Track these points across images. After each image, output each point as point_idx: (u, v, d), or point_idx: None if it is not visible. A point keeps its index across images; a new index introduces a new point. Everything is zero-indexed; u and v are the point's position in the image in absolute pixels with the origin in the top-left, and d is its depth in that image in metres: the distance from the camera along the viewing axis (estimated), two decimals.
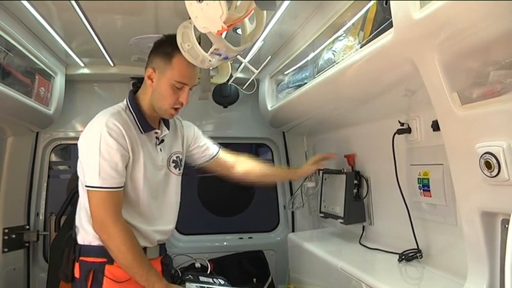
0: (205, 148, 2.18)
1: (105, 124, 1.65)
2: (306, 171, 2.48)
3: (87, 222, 1.72)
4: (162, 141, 1.88)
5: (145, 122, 1.80)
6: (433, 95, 1.30)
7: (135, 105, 1.80)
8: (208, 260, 2.86)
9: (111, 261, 1.69)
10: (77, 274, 1.74)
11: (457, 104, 1.21)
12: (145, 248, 1.77)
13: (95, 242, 1.71)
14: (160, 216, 1.86)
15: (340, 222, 2.42)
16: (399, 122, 1.90)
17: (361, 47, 1.62)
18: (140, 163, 1.74)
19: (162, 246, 1.92)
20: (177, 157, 1.96)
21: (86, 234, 1.74)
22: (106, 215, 1.63)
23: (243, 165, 2.27)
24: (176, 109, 1.80)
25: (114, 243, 1.64)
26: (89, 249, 1.73)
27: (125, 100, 1.83)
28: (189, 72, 1.73)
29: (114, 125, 1.66)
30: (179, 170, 1.98)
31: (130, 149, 1.70)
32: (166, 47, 1.72)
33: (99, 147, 1.62)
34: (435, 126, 1.61)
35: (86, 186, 1.66)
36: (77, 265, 1.75)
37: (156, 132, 1.84)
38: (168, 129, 1.92)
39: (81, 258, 1.74)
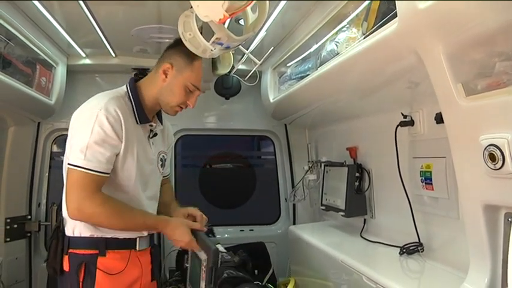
0: (166, 163, 2.05)
1: (104, 107, 1.59)
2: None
3: None
4: (155, 135, 1.84)
5: (143, 113, 1.75)
6: (437, 86, 1.28)
7: (136, 94, 1.75)
8: None
9: (103, 252, 1.65)
10: (66, 267, 1.67)
11: (461, 95, 1.19)
12: (136, 239, 1.74)
13: (86, 233, 1.66)
14: (148, 206, 1.82)
15: (342, 215, 2.42)
16: (402, 115, 1.89)
17: (364, 38, 1.60)
18: (134, 153, 1.69)
19: (151, 237, 1.87)
20: (163, 156, 1.93)
21: (74, 225, 1.67)
22: (80, 196, 1.55)
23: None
24: (181, 108, 1.80)
25: (99, 220, 1.61)
26: (79, 241, 1.66)
27: (125, 86, 1.79)
28: None
29: (114, 110, 1.60)
30: (163, 169, 1.94)
31: (125, 138, 1.64)
32: None
33: (92, 127, 1.56)
34: (438, 119, 1.59)
35: (69, 164, 1.58)
36: (65, 258, 1.67)
37: (151, 125, 1.80)
38: (162, 124, 1.90)
39: (70, 250, 1.66)
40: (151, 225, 1.74)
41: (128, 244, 1.73)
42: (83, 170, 1.56)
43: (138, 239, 1.75)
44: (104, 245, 1.67)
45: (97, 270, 1.64)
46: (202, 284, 1.68)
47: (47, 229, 3.03)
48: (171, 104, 1.76)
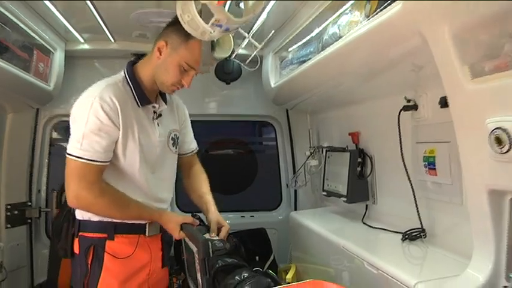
0: (187, 139, 2.07)
1: (99, 95, 1.59)
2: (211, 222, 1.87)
3: None
4: (160, 115, 1.82)
5: (143, 95, 1.74)
6: (443, 68, 1.25)
7: (133, 77, 1.74)
8: None
9: (111, 236, 1.69)
10: (76, 250, 1.73)
11: (467, 77, 1.16)
12: (145, 224, 1.76)
13: (95, 217, 1.70)
14: (158, 187, 1.82)
15: (343, 201, 2.40)
16: (405, 99, 1.86)
17: (367, 20, 1.57)
18: (135, 138, 1.69)
19: None
20: (174, 135, 1.91)
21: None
22: (78, 186, 1.58)
23: (190, 181, 2.08)
24: (177, 87, 1.77)
25: (95, 210, 1.66)
26: (88, 225, 1.71)
27: (123, 71, 1.77)
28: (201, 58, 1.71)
29: (109, 98, 1.60)
30: (176, 148, 1.93)
31: (122, 124, 1.63)
32: None
33: (88, 117, 1.57)
34: (443, 103, 1.57)
35: (66, 153, 1.61)
36: (76, 240, 1.73)
37: (154, 106, 1.79)
38: (166, 103, 1.87)
39: (80, 233, 1.72)
40: (147, 218, 1.75)
41: (137, 229, 1.75)
42: (80, 159, 1.58)
43: (147, 225, 1.77)
44: (113, 229, 1.71)
45: (105, 253, 1.69)
46: (199, 276, 1.68)
47: (47, 215, 3.04)
48: (166, 82, 1.73)
